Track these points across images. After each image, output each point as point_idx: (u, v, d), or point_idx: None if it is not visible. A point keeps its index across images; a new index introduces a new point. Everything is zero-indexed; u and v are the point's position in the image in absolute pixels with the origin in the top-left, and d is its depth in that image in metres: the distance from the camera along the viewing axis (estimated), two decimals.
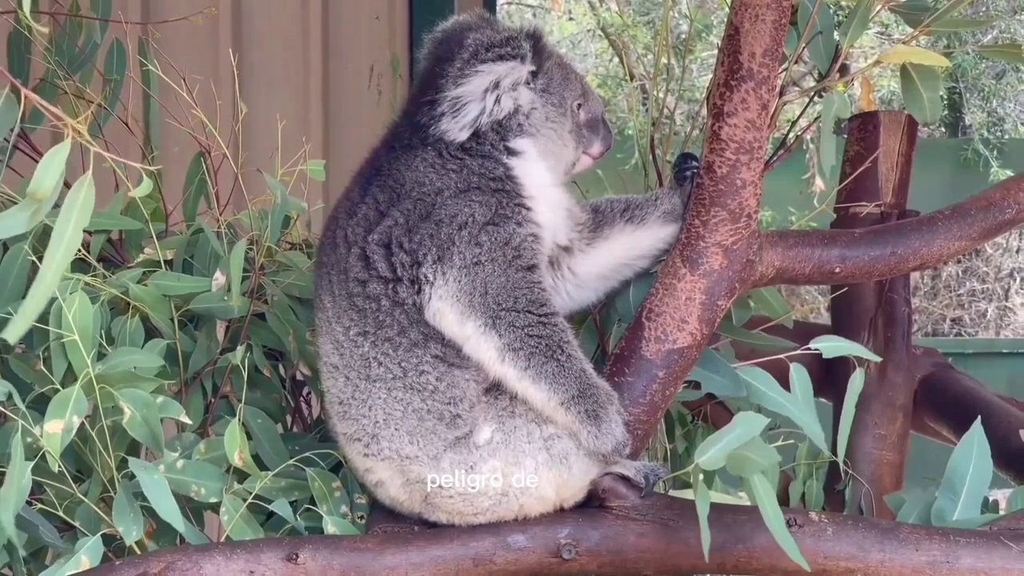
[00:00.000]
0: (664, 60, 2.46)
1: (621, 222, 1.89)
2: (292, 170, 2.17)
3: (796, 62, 1.81)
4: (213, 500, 1.76)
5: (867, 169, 2.40)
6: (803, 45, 1.81)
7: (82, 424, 1.62)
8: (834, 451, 1.80)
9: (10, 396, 1.66)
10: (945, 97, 9.23)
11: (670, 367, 1.76)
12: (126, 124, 2.31)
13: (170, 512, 1.64)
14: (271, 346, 2.08)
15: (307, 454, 1.85)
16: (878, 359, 1.87)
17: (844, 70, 1.90)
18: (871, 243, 1.86)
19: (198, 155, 2.23)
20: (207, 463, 1.78)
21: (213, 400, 2.01)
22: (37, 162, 1.30)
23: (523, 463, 1.66)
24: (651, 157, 2.08)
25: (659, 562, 1.67)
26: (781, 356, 1.79)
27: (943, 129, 9.92)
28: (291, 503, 1.80)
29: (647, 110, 2.22)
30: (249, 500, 1.76)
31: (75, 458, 1.78)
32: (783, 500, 2.37)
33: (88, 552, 1.62)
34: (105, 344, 1.81)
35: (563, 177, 1.86)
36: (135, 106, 2.36)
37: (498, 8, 6.54)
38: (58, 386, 1.66)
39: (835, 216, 2.46)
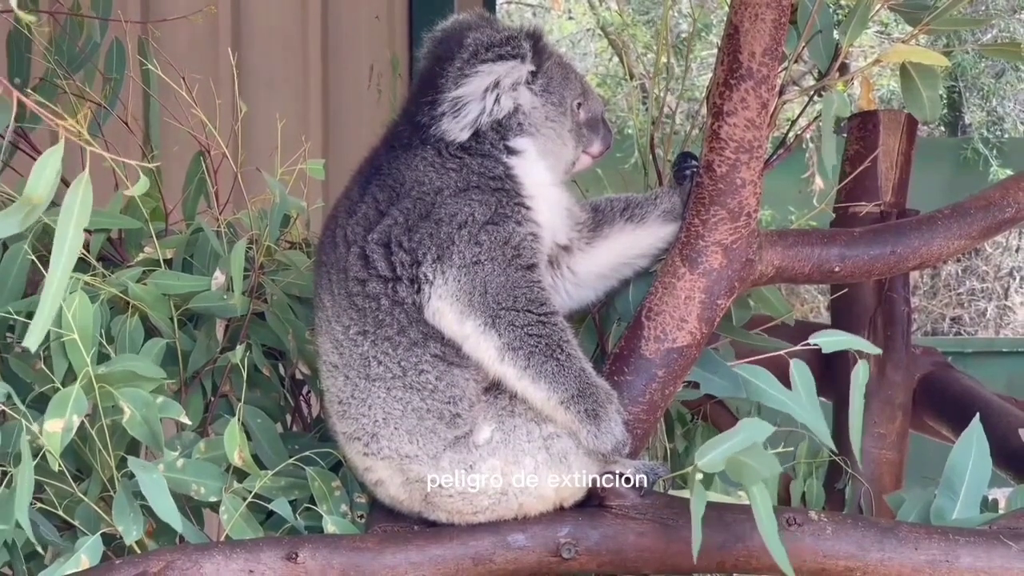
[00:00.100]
0: (664, 59, 2.47)
1: (621, 221, 1.89)
2: (292, 169, 2.17)
3: (796, 61, 1.81)
4: (213, 499, 1.76)
5: (867, 168, 2.40)
6: (803, 44, 1.81)
7: (82, 423, 1.62)
8: (839, 448, 1.80)
9: (9, 396, 1.66)
10: (945, 96, 9.23)
11: (669, 366, 1.76)
12: (126, 123, 2.32)
13: (168, 512, 1.64)
14: (271, 345, 2.08)
15: (307, 453, 1.86)
16: (878, 351, 1.87)
17: (844, 69, 1.90)
18: (871, 242, 1.86)
19: (198, 154, 2.23)
20: (207, 462, 1.78)
21: (213, 399, 2.01)
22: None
23: (523, 462, 1.66)
24: (651, 156, 2.08)
25: (659, 561, 1.67)
26: (781, 352, 1.79)
27: (943, 128, 9.92)
28: (291, 502, 1.80)
29: (647, 109, 2.22)
30: (249, 499, 1.76)
31: (75, 457, 1.78)
32: (783, 499, 2.37)
33: (88, 551, 1.62)
34: (105, 343, 1.81)
35: (563, 176, 1.86)
36: (135, 105, 2.37)
37: (498, 7, 6.54)
38: (59, 385, 1.66)
39: (835, 215, 2.46)
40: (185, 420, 1.73)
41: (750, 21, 1.66)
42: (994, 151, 8.63)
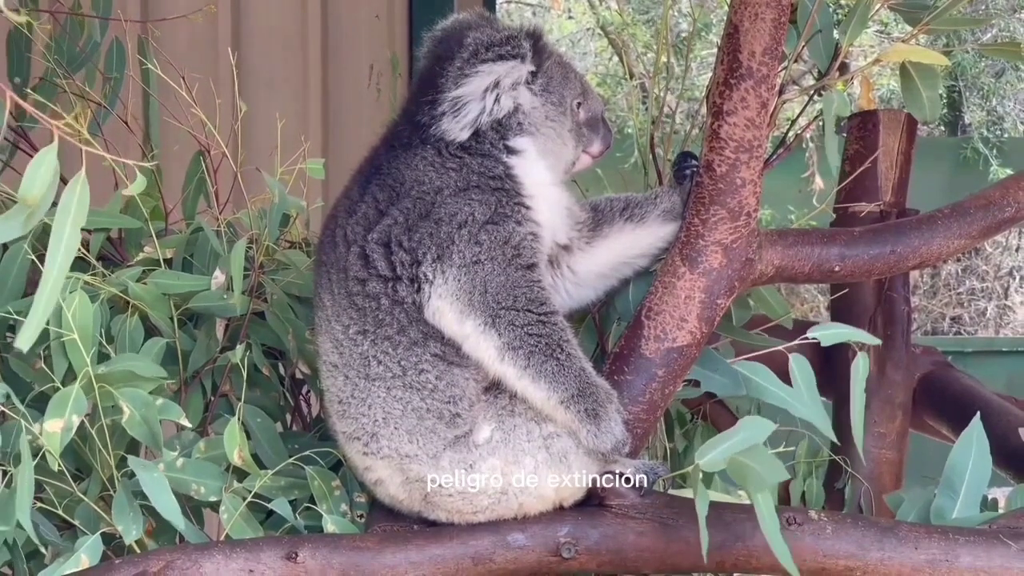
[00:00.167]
0: (664, 59, 2.47)
1: (621, 221, 1.89)
2: (291, 169, 2.17)
3: (796, 60, 1.81)
4: (213, 499, 1.76)
5: (866, 168, 2.40)
6: (803, 43, 1.81)
7: (82, 423, 1.62)
8: (842, 442, 1.79)
9: (9, 396, 1.66)
10: (944, 96, 9.22)
11: (669, 366, 1.76)
12: (126, 123, 2.32)
13: (170, 510, 1.64)
14: (270, 345, 2.08)
15: (306, 453, 1.86)
16: (877, 341, 1.87)
17: (844, 68, 1.90)
18: (870, 242, 1.86)
19: (197, 154, 2.23)
20: (207, 462, 1.78)
21: (212, 399, 2.01)
22: None
23: (522, 462, 1.66)
24: (651, 156, 2.08)
25: (658, 561, 1.67)
26: (780, 348, 1.79)
27: (942, 128, 9.92)
28: (291, 502, 1.80)
29: (647, 108, 2.22)
30: (249, 499, 1.76)
31: (75, 457, 1.78)
32: (783, 499, 2.37)
33: (88, 551, 1.62)
34: (105, 343, 1.81)
35: (563, 176, 1.86)
36: (135, 105, 2.37)
37: (498, 6, 6.54)
38: (59, 384, 1.66)
39: (834, 215, 2.46)
40: (185, 422, 1.73)
41: (750, 20, 1.66)
42: (994, 151, 8.63)
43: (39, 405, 1.67)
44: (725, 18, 1.72)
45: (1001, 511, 1.74)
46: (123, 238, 2.13)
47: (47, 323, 1.67)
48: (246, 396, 1.89)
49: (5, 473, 1.65)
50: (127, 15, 2.39)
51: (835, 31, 1.84)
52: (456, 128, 1.73)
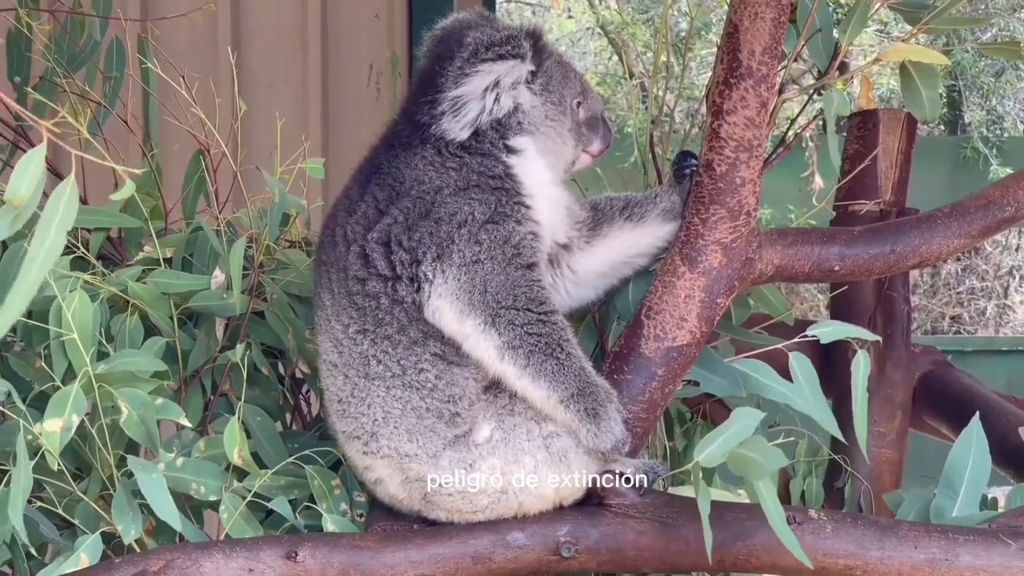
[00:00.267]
0: (663, 58, 2.46)
1: (620, 220, 1.89)
2: (291, 168, 2.17)
3: (795, 60, 1.81)
4: (212, 498, 1.76)
5: (866, 167, 2.40)
6: (802, 43, 1.81)
7: (81, 422, 1.62)
8: (840, 445, 1.79)
9: (9, 395, 1.66)
10: (944, 95, 9.22)
11: (669, 365, 1.76)
12: (125, 122, 2.32)
13: (167, 511, 1.64)
14: (270, 344, 2.08)
15: (306, 452, 1.85)
16: (877, 338, 1.87)
17: (843, 68, 1.90)
18: (870, 241, 1.86)
19: (197, 153, 2.23)
20: (206, 461, 1.78)
21: (212, 398, 2.01)
22: None
23: (522, 461, 1.66)
24: (650, 155, 2.08)
25: (658, 560, 1.67)
26: (779, 346, 1.79)
27: (942, 127, 9.92)
28: (290, 501, 1.80)
29: (646, 108, 2.22)
30: (248, 498, 1.76)
31: (74, 456, 1.78)
32: (783, 498, 2.36)
33: (87, 550, 1.62)
34: (104, 342, 1.81)
35: (563, 175, 1.86)
36: (135, 104, 2.37)
37: (497, 6, 6.54)
38: (59, 383, 1.66)
39: (834, 214, 2.46)
40: (184, 422, 1.73)
41: (750, 20, 1.66)
42: (994, 150, 8.63)
43: (39, 404, 1.67)
44: (725, 17, 1.72)
45: (1001, 510, 1.74)
46: (123, 237, 2.13)
47: (47, 322, 1.67)
48: (246, 395, 1.89)
49: (5, 472, 1.65)
50: (127, 14, 2.40)
51: (835, 30, 1.84)
52: (456, 127, 1.73)
